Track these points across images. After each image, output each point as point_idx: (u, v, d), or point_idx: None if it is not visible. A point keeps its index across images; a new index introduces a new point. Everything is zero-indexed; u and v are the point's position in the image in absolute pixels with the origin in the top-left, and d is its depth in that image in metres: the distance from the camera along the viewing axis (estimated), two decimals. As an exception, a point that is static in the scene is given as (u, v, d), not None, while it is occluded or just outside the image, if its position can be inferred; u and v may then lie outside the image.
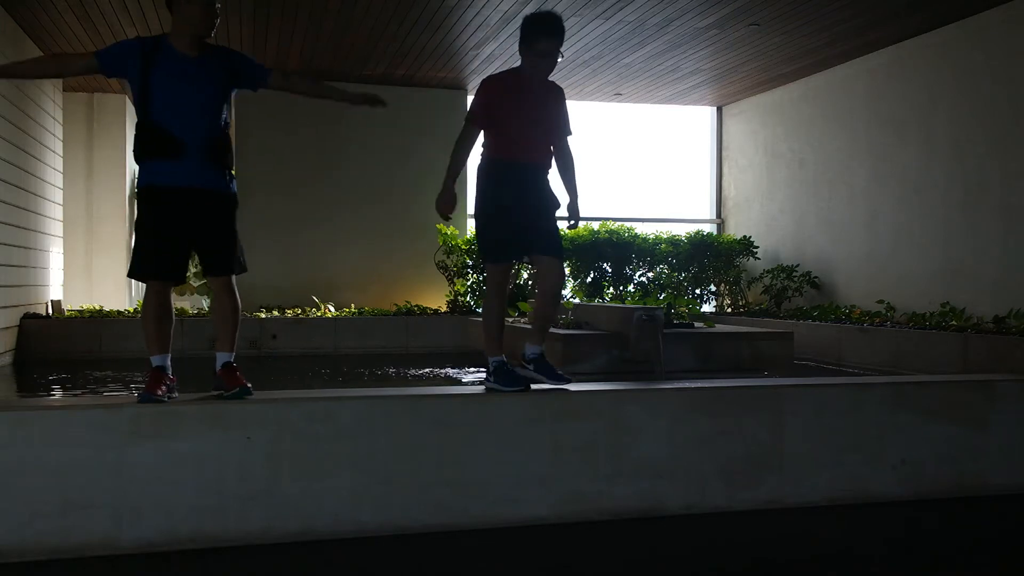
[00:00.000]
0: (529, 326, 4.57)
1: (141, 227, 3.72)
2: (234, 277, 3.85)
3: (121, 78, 3.71)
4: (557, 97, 4.25)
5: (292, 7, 8.44)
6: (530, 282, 11.64)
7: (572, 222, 4.38)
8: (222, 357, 3.79)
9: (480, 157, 4.22)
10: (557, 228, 4.24)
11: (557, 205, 4.23)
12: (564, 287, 4.33)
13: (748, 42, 9.60)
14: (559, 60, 4.11)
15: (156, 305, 3.68)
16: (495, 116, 4.10)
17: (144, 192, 3.69)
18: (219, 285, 3.83)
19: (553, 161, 4.27)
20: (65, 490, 3.31)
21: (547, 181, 4.25)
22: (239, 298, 3.85)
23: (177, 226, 3.68)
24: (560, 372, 4.14)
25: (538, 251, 4.17)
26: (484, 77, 4.21)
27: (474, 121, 4.12)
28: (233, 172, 3.83)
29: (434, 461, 3.71)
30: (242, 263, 3.88)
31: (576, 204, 4.34)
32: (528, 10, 8.42)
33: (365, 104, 4.01)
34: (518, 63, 4.22)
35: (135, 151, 3.69)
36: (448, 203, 4.11)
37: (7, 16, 8.42)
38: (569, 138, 4.32)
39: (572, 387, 4.10)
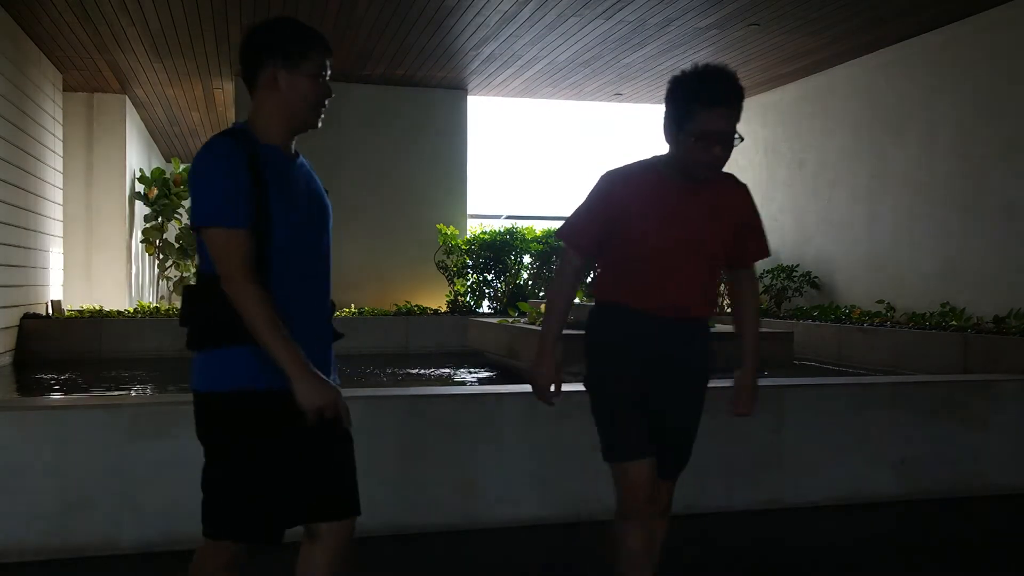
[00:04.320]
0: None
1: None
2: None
3: None
4: (731, 201, 2.57)
5: (292, 7, 8.44)
6: (530, 282, 11.64)
7: (743, 404, 2.56)
8: None
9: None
10: (694, 430, 2.60)
11: (707, 378, 2.60)
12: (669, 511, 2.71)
13: (748, 42, 9.60)
14: (736, 145, 2.52)
15: None
16: (613, 241, 2.49)
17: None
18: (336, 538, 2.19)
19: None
20: (65, 490, 3.31)
21: (702, 342, 2.57)
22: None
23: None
24: None
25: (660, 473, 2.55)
26: (604, 172, 2.55)
27: (576, 246, 2.54)
28: None
29: (434, 461, 3.71)
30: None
31: (750, 370, 2.57)
32: (528, 11, 8.39)
33: None
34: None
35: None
36: (544, 376, 2.59)
37: (7, 16, 8.41)
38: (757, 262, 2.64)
39: (572, 387, 4.06)
